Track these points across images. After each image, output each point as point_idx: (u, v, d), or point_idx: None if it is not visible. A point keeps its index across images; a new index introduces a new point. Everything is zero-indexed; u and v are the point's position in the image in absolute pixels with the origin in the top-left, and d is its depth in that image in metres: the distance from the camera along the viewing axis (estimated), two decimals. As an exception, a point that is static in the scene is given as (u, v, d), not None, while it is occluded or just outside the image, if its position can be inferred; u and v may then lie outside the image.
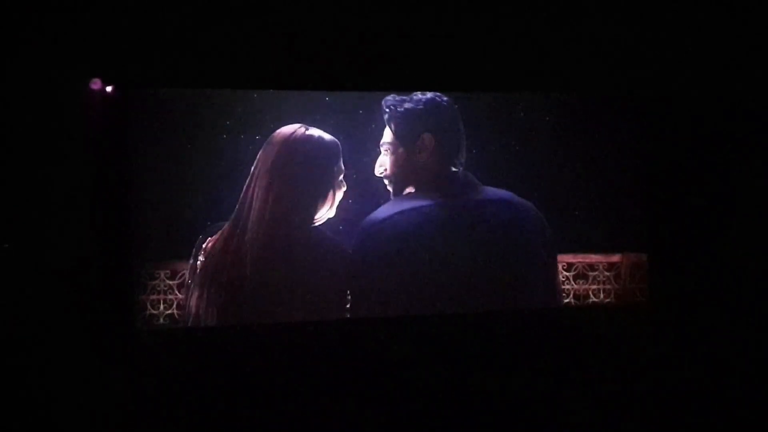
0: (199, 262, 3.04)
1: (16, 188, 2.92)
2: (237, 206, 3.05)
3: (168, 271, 3.13)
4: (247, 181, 3.05)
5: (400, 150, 3.15)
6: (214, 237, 3.06)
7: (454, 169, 3.20)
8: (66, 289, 2.94)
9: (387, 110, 3.15)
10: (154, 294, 3.12)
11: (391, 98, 3.16)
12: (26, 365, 2.89)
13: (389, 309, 3.22)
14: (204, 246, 3.05)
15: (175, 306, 3.13)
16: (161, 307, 3.12)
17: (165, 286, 3.13)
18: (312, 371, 3.15)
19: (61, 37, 2.97)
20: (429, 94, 3.20)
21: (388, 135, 3.16)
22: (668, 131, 3.52)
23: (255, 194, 3.02)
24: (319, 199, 3.09)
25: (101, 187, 3.03)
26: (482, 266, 3.26)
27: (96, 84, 3.02)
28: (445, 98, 3.21)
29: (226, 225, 3.06)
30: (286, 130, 3.08)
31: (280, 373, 3.13)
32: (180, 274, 3.13)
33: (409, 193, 3.19)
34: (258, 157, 3.06)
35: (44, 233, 2.95)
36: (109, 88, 3.06)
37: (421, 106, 3.15)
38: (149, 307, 3.12)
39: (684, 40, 3.45)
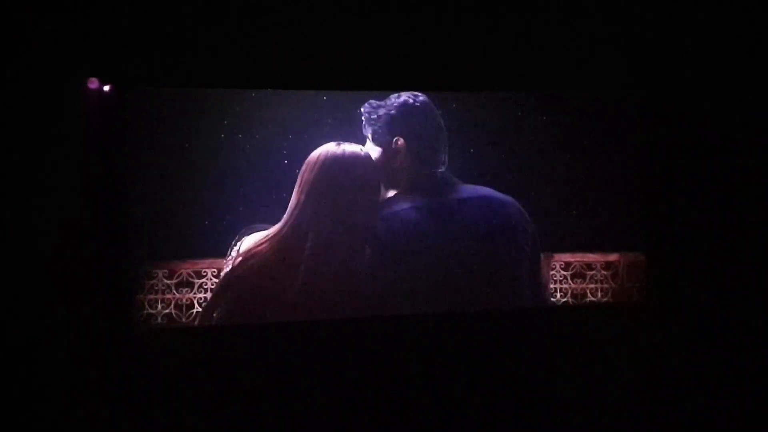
0: (238, 262, 3.05)
1: (14, 187, 2.92)
2: (293, 220, 3.05)
3: (166, 271, 3.12)
4: (301, 199, 3.05)
5: (378, 155, 3.17)
6: (257, 240, 3.06)
7: (433, 170, 3.21)
8: (63, 289, 2.94)
9: (363, 117, 3.18)
10: (151, 293, 3.11)
11: (367, 105, 3.18)
12: (23, 365, 2.88)
13: (377, 310, 3.23)
14: (246, 248, 3.06)
15: (173, 305, 3.13)
16: (159, 306, 3.12)
17: (163, 285, 3.12)
18: (308, 370, 3.15)
19: (58, 36, 2.96)
20: (402, 98, 3.19)
21: (368, 141, 3.20)
22: (665, 130, 3.53)
23: (311, 211, 3.05)
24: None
25: (99, 187, 3.02)
26: (467, 265, 3.28)
27: (93, 83, 3.02)
28: (419, 100, 3.20)
29: (281, 226, 3.06)
30: (331, 150, 3.09)
31: (277, 372, 3.13)
32: (178, 274, 3.13)
33: (391, 197, 3.21)
34: (306, 178, 3.06)
35: (41, 232, 2.95)
36: (106, 88, 3.05)
37: (393, 111, 3.16)
38: (147, 306, 3.11)
39: (681, 39, 3.47)
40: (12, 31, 2.92)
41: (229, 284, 3.06)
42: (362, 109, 3.17)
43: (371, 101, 3.18)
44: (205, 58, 3.14)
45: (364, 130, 3.18)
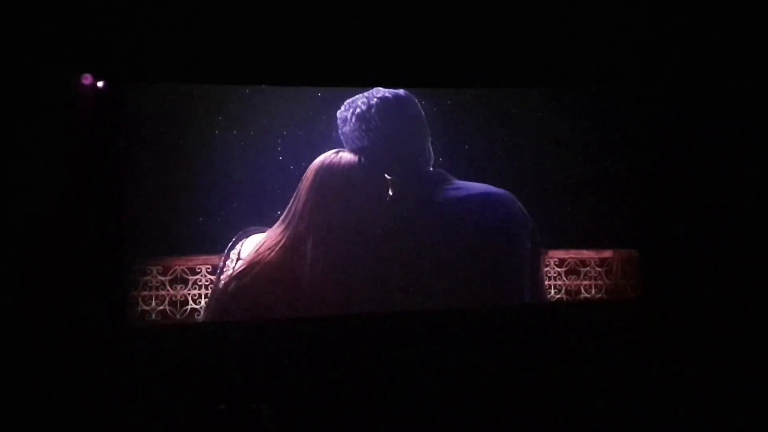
0: (241, 270, 3.11)
1: (8, 184, 2.91)
2: (292, 229, 3.14)
3: (160, 267, 3.12)
4: (299, 207, 3.14)
5: (354, 158, 3.20)
6: (258, 244, 3.13)
7: (422, 168, 3.25)
8: (57, 285, 2.93)
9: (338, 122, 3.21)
10: (145, 290, 3.11)
11: (342, 107, 3.21)
12: (19, 362, 2.87)
13: (378, 308, 3.26)
14: (248, 255, 3.12)
15: (167, 302, 3.12)
16: (153, 303, 3.11)
17: (157, 282, 3.12)
18: (306, 367, 3.15)
19: (52, 32, 2.95)
20: (378, 93, 3.22)
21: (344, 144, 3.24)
22: (660, 128, 3.54)
23: (310, 219, 3.14)
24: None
25: (93, 183, 3.01)
26: (468, 261, 3.29)
27: (87, 79, 3.01)
28: (393, 94, 3.24)
29: (280, 232, 3.13)
30: (328, 159, 3.17)
31: (274, 369, 3.13)
32: (172, 270, 3.12)
33: (389, 199, 3.24)
34: (305, 186, 3.15)
35: (36, 230, 2.94)
36: (100, 84, 3.05)
37: (363, 107, 3.19)
38: (141, 303, 3.10)
39: (676, 37, 3.47)
40: (5, 27, 2.91)
41: (236, 295, 3.12)
42: (337, 114, 3.20)
43: (345, 103, 3.20)
44: (200, 54, 3.13)
45: (341, 136, 3.20)
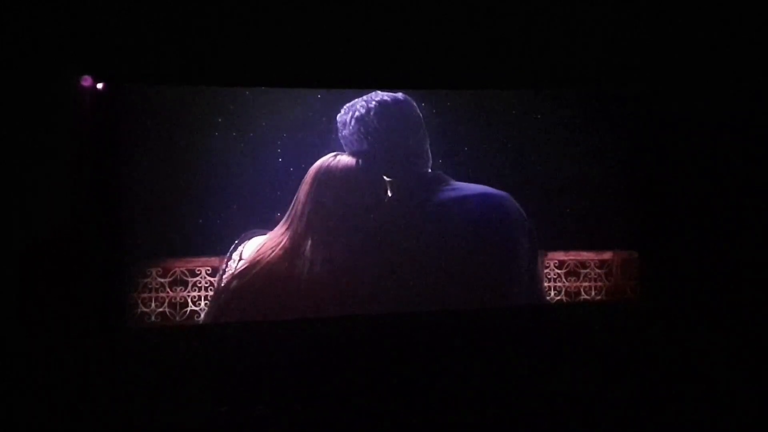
0: (242, 269, 3.13)
1: (7, 185, 2.91)
2: (292, 232, 3.16)
3: (159, 269, 3.12)
4: (298, 210, 3.17)
5: (354, 161, 3.23)
6: (259, 245, 3.16)
7: (421, 170, 3.27)
8: (57, 287, 2.93)
9: (338, 125, 3.23)
10: (145, 292, 3.11)
11: (341, 111, 3.22)
12: (18, 363, 2.88)
13: (377, 308, 3.28)
14: (250, 255, 3.15)
15: (166, 304, 3.13)
16: (153, 304, 3.12)
17: (156, 283, 3.12)
18: (304, 367, 3.16)
19: (52, 34, 2.95)
20: (376, 97, 3.24)
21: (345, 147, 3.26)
22: (660, 129, 3.54)
23: (311, 221, 3.18)
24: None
25: (93, 185, 3.02)
26: (466, 262, 3.31)
27: (87, 81, 3.01)
28: (393, 97, 3.26)
29: (281, 233, 3.16)
30: (326, 162, 3.20)
31: (271, 368, 3.13)
32: (171, 272, 3.13)
33: (387, 200, 3.25)
34: (305, 190, 3.18)
35: (36, 231, 2.94)
36: (99, 85, 3.05)
37: (362, 111, 3.21)
38: (141, 304, 3.11)
39: (676, 37, 3.46)
40: (6, 28, 2.91)
41: (237, 294, 3.14)
42: (337, 117, 3.21)
43: (344, 107, 3.22)
44: (200, 55, 3.13)
45: (341, 139, 3.22)
